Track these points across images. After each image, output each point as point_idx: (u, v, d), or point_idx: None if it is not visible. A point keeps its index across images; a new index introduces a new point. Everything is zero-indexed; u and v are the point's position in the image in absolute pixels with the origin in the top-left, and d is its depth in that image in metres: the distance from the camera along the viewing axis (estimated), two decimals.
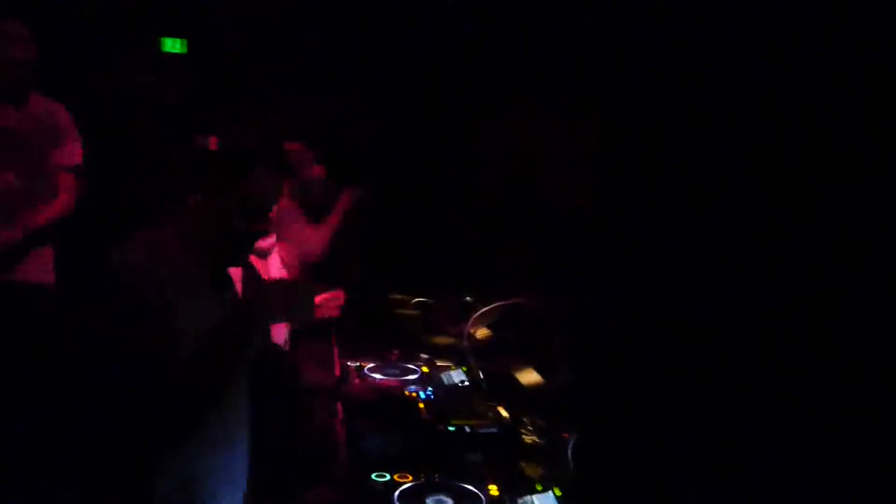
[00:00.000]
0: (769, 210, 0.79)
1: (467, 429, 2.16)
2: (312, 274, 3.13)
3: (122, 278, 1.59)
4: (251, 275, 1.85)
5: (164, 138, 1.85)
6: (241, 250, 1.75)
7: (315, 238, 3.19)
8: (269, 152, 1.73)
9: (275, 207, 1.76)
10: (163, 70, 4.74)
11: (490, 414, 2.28)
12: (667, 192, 0.95)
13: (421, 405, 2.34)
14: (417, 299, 3.60)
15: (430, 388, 2.51)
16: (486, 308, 3.03)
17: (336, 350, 2.95)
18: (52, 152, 3.18)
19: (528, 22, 3.89)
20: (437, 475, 1.95)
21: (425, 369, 2.73)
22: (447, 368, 2.72)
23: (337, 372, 2.72)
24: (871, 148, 0.72)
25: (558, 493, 1.86)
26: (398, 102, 4.80)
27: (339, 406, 2.39)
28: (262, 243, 2.51)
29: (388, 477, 1.92)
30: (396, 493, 1.85)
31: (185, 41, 4.59)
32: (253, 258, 2.47)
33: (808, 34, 0.76)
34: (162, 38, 4.59)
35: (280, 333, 2.74)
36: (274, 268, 2.72)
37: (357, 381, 2.61)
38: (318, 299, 2.38)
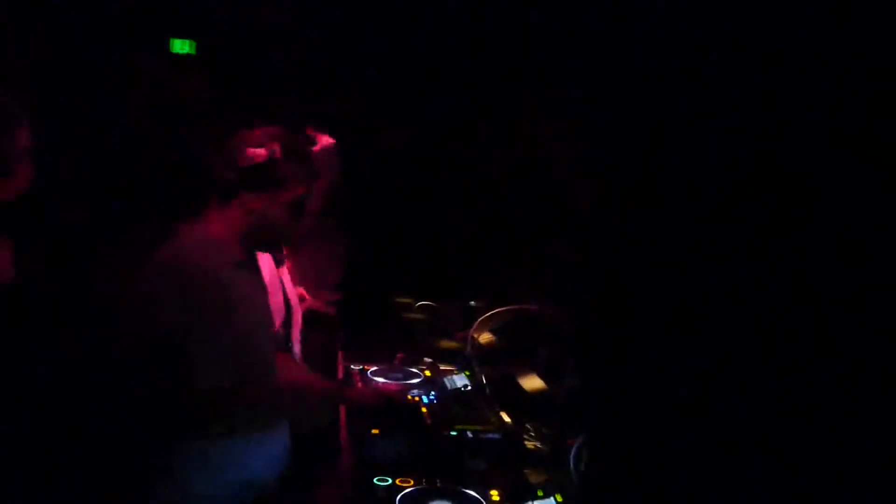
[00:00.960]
0: (778, 210, 0.79)
1: (469, 434, 2.16)
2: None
3: (178, 270, 1.72)
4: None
5: (203, 140, 1.90)
6: (283, 241, 1.98)
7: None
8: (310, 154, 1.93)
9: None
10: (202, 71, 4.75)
11: (493, 419, 2.28)
12: (673, 193, 0.95)
13: (423, 410, 2.33)
14: (422, 302, 3.60)
15: (432, 393, 2.50)
16: (490, 313, 3.03)
17: (340, 353, 2.95)
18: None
19: (532, 21, 3.89)
20: (438, 480, 1.94)
21: (428, 373, 2.73)
22: (450, 373, 2.72)
23: (340, 375, 2.72)
24: (872, 147, 0.71)
25: (560, 499, 1.86)
26: (402, 103, 4.81)
27: (342, 409, 2.39)
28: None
29: (389, 481, 1.91)
30: (398, 497, 1.84)
31: (193, 42, 4.60)
32: (270, 267, 2.49)
33: (808, 34, 0.76)
34: (171, 40, 4.60)
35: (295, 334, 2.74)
36: (286, 276, 2.72)
37: (360, 384, 2.60)
38: None
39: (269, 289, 2.62)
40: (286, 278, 2.69)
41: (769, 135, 0.80)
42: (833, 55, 0.74)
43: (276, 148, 1.79)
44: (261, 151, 1.77)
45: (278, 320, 2.60)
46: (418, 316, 3.55)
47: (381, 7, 4.72)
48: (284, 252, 2.66)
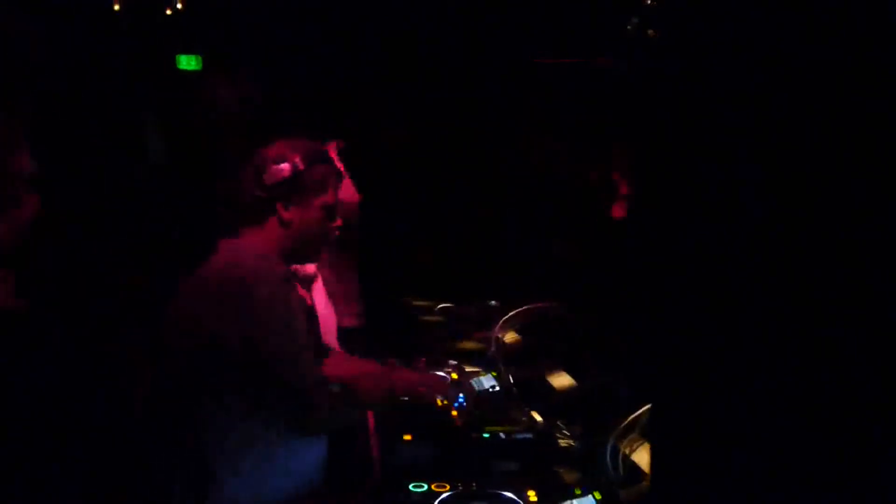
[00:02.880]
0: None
1: (502, 435, 2.15)
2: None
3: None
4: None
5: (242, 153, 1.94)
6: (322, 249, 2.01)
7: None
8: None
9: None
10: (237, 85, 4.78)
11: (524, 419, 2.27)
12: (693, 194, 0.94)
13: (454, 413, 2.32)
14: (441, 305, 3.59)
15: (461, 395, 2.49)
16: (515, 312, 3.01)
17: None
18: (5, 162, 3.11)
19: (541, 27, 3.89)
20: (474, 483, 1.93)
21: (454, 376, 2.72)
22: (476, 374, 2.71)
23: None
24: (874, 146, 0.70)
25: (598, 496, 1.85)
26: (413, 107, 4.81)
27: (371, 416, 2.38)
28: (307, 269, 2.52)
29: (426, 487, 1.91)
30: (436, 502, 1.84)
31: (199, 58, 4.63)
32: (299, 288, 2.50)
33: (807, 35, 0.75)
34: (177, 56, 4.62)
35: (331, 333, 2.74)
36: (319, 295, 2.71)
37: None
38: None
39: (324, 310, 2.64)
40: (319, 297, 2.68)
41: (774, 134, 0.79)
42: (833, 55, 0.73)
43: (298, 159, 1.82)
44: (284, 166, 1.82)
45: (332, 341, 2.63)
46: (437, 318, 3.54)
47: (389, 15, 4.73)
48: (314, 270, 2.65)
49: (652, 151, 1.02)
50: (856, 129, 0.73)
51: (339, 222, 2.01)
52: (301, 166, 1.84)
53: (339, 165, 3.10)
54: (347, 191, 3.22)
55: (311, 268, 2.59)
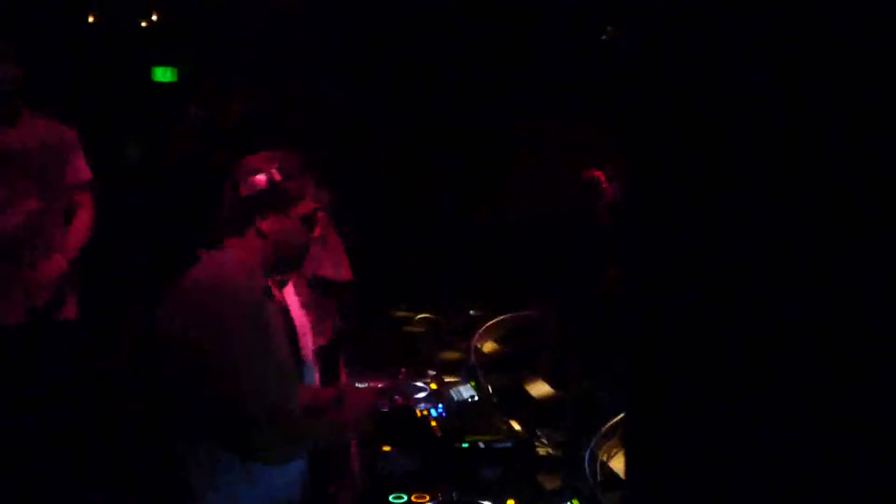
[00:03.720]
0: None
1: (481, 444, 2.15)
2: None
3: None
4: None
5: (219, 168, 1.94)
6: (302, 259, 2.00)
7: (333, 259, 3.20)
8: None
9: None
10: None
11: (503, 428, 2.27)
12: (680, 203, 0.95)
13: (433, 423, 2.32)
14: (422, 315, 3.59)
15: (440, 406, 2.49)
16: (492, 321, 3.02)
17: (344, 372, 2.94)
18: (62, 171, 3.14)
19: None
20: (454, 493, 1.94)
21: (434, 386, 2.72)
22: (456, 384, 2.71)
23: (344, 377, 2.70)
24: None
25: (577, 503, 1.86)
26: (395, 118, 4.82)
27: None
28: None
29: (405, 498, 1.91)
30: None
31: (175, 70, 4.61)
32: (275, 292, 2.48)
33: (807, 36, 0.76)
34: (153, 68, 4.60)
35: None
36: (291, 296, 2.69)
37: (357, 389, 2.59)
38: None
39: (297, 314, 2.61)
40: (292, 300, 2.66)
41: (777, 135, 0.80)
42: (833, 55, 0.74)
43: (274, 171, 1.82)
44: (261, 178, 1.81)
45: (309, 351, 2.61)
46: (419, 328, 3.54)
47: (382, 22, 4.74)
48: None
49: (638, 165, 1.03)
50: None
51: (318, 231, 2.01)
52: (277, 178, 1.83)
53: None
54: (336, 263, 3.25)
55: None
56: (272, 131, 4.44)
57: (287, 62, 4.76)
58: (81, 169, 3.21)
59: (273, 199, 1.84)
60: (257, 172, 1.83)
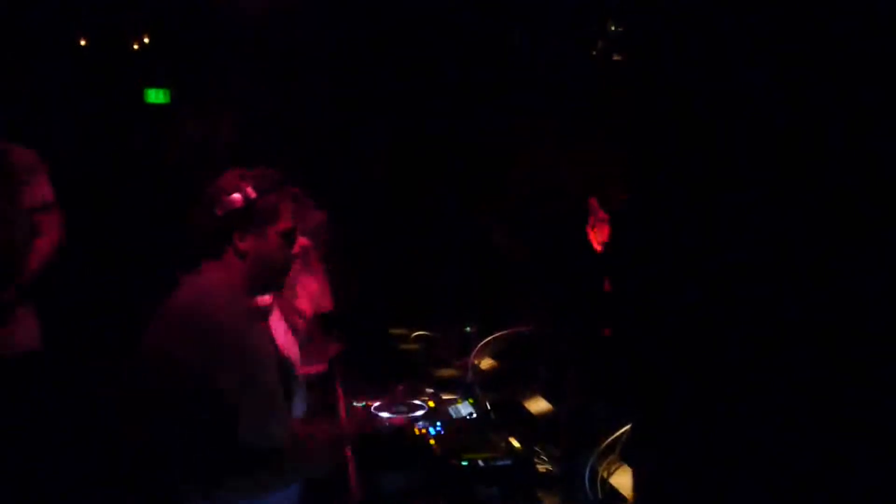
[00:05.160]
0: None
1: (481, 462, 2.14)
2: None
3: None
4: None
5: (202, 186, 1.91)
6: (283, 277, 1.95)
7: (321, 287, 3.18)
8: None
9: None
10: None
11: (502, 445, 2.26)
12: (675, 209, 0.95)
13: (432, 441, 2.31)
14: (418, 333, 3.58)
15: (438, 423, 2.48)
16: (489, 338, 3.01)
17: (340, 391, 2.92)
18: (19, 195, 3.06)
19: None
20: None
21: (431, 404, 2.71)
22: (454, 402, 2.70)
23: (343, 414, 2.68)
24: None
25: None
26: (387, 136, 4.83)
27: (349, 452, 2.36)
28: (265, 299, 2.47)
29: None
30: None
31: (168, 91, 4.61)
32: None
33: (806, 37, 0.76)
34: (146, 90, 4.60)
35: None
36: (277, 326, 2.65)
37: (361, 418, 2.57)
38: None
39: (285, 337, 2.59)
40: (277, 327, 2.62)
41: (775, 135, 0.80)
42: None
43: (249, 188, 1.78)
44: (236, 196, 1.78)
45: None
46: (414, 346, 3.53)
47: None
48: (270, 301, 2.57)
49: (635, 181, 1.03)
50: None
51: (297, 249, 1.98)
52: (253, 195, 1.79)
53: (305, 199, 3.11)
54: (314, 218, 3.22)
55: (266, 298, 2.52)
56: (265, 150, 4.44)
57: (283, 65, 4.76)
58: (43, 191, 3.13)
59: (249, 216, 1.80)
60: (233, 190, 1.79)
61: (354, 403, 2.74)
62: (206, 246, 1.83)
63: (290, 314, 2.90)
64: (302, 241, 2.51)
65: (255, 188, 1.80)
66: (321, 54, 4.81)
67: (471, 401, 2.68)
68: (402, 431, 2.40)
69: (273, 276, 1.92)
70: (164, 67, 4.70)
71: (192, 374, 1.68)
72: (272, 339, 2.48)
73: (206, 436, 1.69)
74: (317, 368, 2.99)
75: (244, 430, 1.70)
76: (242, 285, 1.84)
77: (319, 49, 4.80)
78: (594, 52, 3.87)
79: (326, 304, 3.26)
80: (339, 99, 4.82)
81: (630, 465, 1.88)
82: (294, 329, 2.81)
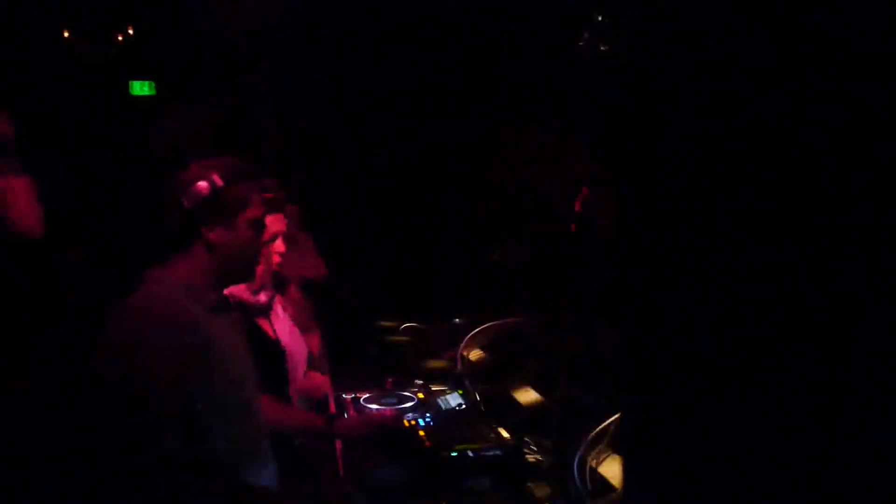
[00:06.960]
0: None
1: (470, 453, 2.15)
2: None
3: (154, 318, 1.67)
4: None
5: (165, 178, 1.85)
6: (253, 267, 1.91)
7: (312, 261, 3.19)
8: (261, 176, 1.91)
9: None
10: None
11: (492, 436, 2.27)
12: (667, 205, 0.94)
13: (421, 433, 2.32)
14: (407, 325, 3.58)
15: (428, 415, 2.49)
16: (478, 329, 3.02)
17: (330, 385, 2.92)
18: None
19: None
20: (444, 503, 1.93)
21: (421, 396, 2.71)
22: (443, 393, 2.71)
23: (332, 408, 2.67)
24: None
25: None
26: (378, 131, 4.82)
27: (338, 443, 2.36)
28: (259, 298, 2.45)
29: None
30: None
31: (153, 83, 4.58)
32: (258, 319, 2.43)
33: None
34: (130, 82, 4.57)
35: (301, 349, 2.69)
36: (281, 323, 2.62)
37: (353, 413, 2.58)
38: None
39: (289, 339, 2.57)
40: (281, 325, 2.60)
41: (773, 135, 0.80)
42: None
43: (216, 177, 1.75)
44: (202, 185, 1.73)
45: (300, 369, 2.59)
46: (404, 338, 3.53)
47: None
48: (266, 299, 2.55)
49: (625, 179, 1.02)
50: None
51: (282, 247, 1.94)
52: (220, 184, 1.74)
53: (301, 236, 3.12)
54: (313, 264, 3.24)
55: (262, 296, 2.49)
56: (250, 144, 4.42)
57: (281, 65, 4.74)
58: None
59: (217, 206, 1.75)
60: (198, 181, 1.74)
61: (344, 396, 2.74)
62: (174, 239, 1.77)
63: (295, 309, 2.89)
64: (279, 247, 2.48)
65: (221, 177, 1.75)
66: (310, 49, 4.78)
67: (460, 392, 2.69)
68: (391, 423, 2.40)
69: (242, 267, 1.87)
70: (148, 59, 4.66)
71: (148, 372, 1.62)
72: (271, 339, 2.46)
73: (168, 435, 1.62)
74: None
75: (207, 425, 1.66)
76: (210, 278, 1.79)
77: (310, 44, 4.78)
78: (580, 43, 3.87)
79: (321, 271, 3.28)
80: (327, 89, 4.80)
81: (622, 458, 1.89)
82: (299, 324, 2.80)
